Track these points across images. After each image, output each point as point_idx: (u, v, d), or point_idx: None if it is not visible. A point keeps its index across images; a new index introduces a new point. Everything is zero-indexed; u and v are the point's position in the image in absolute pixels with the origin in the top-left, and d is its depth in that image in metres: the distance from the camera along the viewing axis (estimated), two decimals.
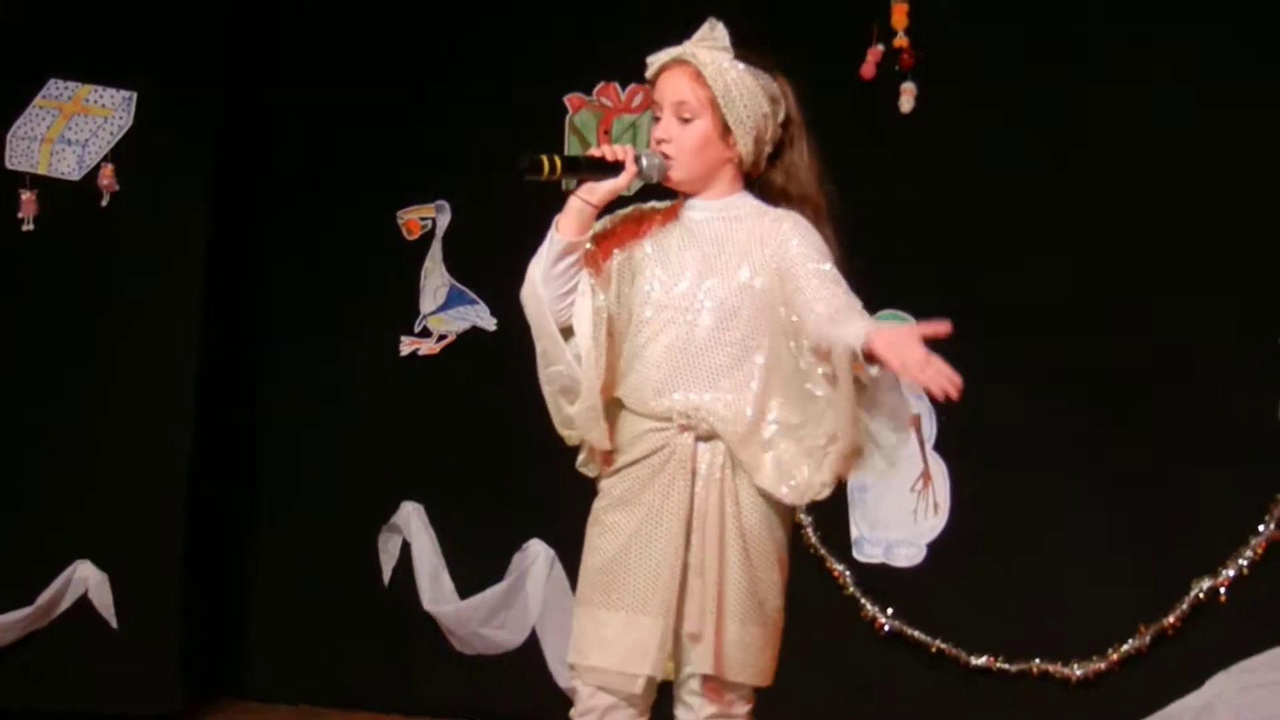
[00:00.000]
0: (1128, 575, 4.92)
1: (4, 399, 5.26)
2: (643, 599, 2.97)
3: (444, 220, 5.58)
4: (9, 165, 5.30)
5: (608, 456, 3.08)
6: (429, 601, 5.47)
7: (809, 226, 3.06)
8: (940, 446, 5.12)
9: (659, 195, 3.20)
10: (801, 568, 5.11)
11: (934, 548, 5.12)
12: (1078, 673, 4.93)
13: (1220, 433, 4.84)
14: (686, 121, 3.01)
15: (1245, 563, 4.80)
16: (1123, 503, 4.94)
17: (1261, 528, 4.79)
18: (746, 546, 2.99)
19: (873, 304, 5.10)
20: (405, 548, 5.55)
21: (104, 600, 5.23)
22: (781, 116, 3.09)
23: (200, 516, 5.44)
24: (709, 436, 2.99)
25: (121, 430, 5.28)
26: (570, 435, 3.12)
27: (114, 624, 5.22)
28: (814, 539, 5.17)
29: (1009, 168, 5.07)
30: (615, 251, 3.09)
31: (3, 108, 5.31)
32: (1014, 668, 4.99)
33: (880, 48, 5.13)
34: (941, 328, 2.73)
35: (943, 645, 5.04)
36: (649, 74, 3.09)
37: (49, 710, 5.14)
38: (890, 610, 5.11)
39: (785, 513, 3.07)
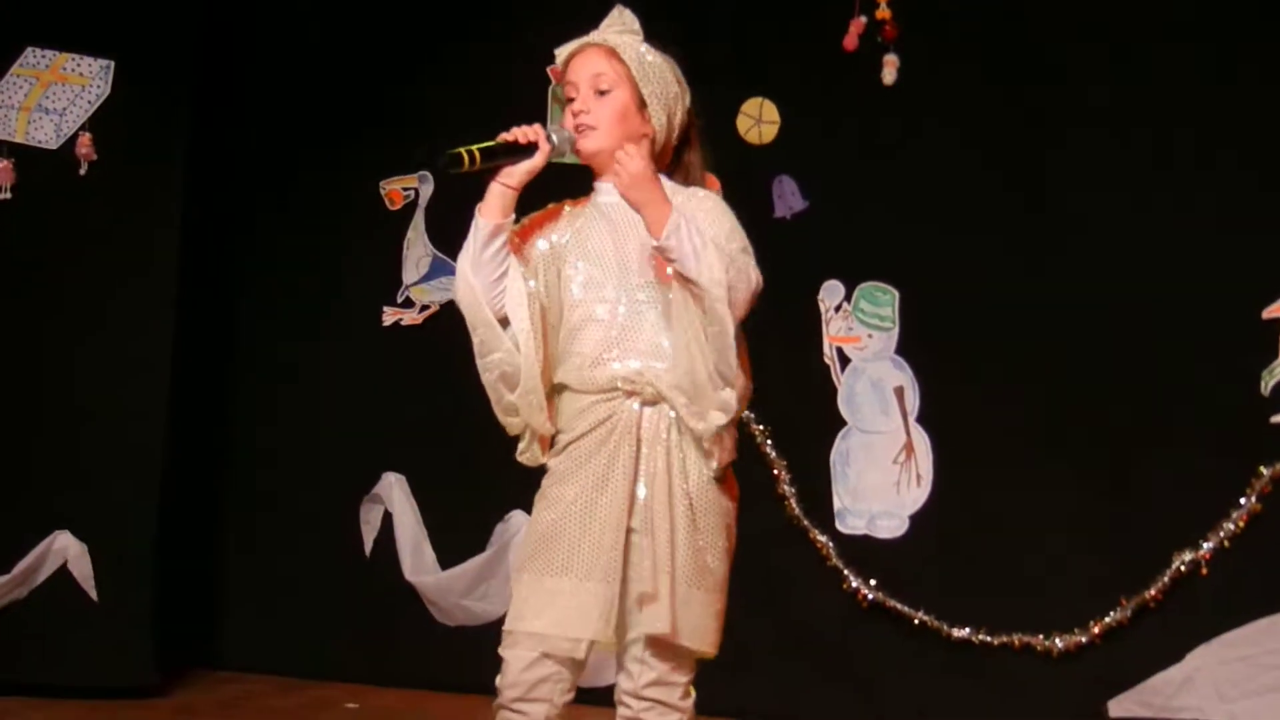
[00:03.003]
0: (1109, 548, 4.93)
1: None
2: (588, 565, 2.98)
3: (427, 191, 5.56)
4: None
5: (547, 443, 3.11)
6: (410, 572, 5.47)
7: (726, 209, 3.05)
8: (923, 418, 5.13)
9: (575, 186, 3.21)
10: (784, 539, 5.17)
11: (916, 520, 5.13)
12: (1059, 645, 4.94)
13: (1203, 406, 4.85)
14: (603, 94, 3.05)
15: (1226, 536, 4.81)
16: (1105, 475, 4.95)
17: (1243, 500, 4.80)
18: (693, 510, 3.00)
19: (854, 275, 5.19)
20: (387, 518, 5.55)
21: (84, 571, 5.21)
22: (687, 102, 3.13)
23: (177, 487, 5.42)
24: (654, 401, 3.01)
25: (97, 399, 5.26)
26: (513, 423, 3.13)
27: (94, 595, 5.20)
28: (797, 510, 5.17)
29: (992, 141, 5.07)
30: (537, 243, 3.12)
31: None
32: (995, 640, 5.00)
33: (863, 19, 5.12)
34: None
35: (924, 617, 5.06)
36: (560, 62, 3.12)
37: (25, 683, 5.11)
38: (872, 582, 5.11)
39: (730, 481, 3.08)
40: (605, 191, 3.10)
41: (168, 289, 5.37)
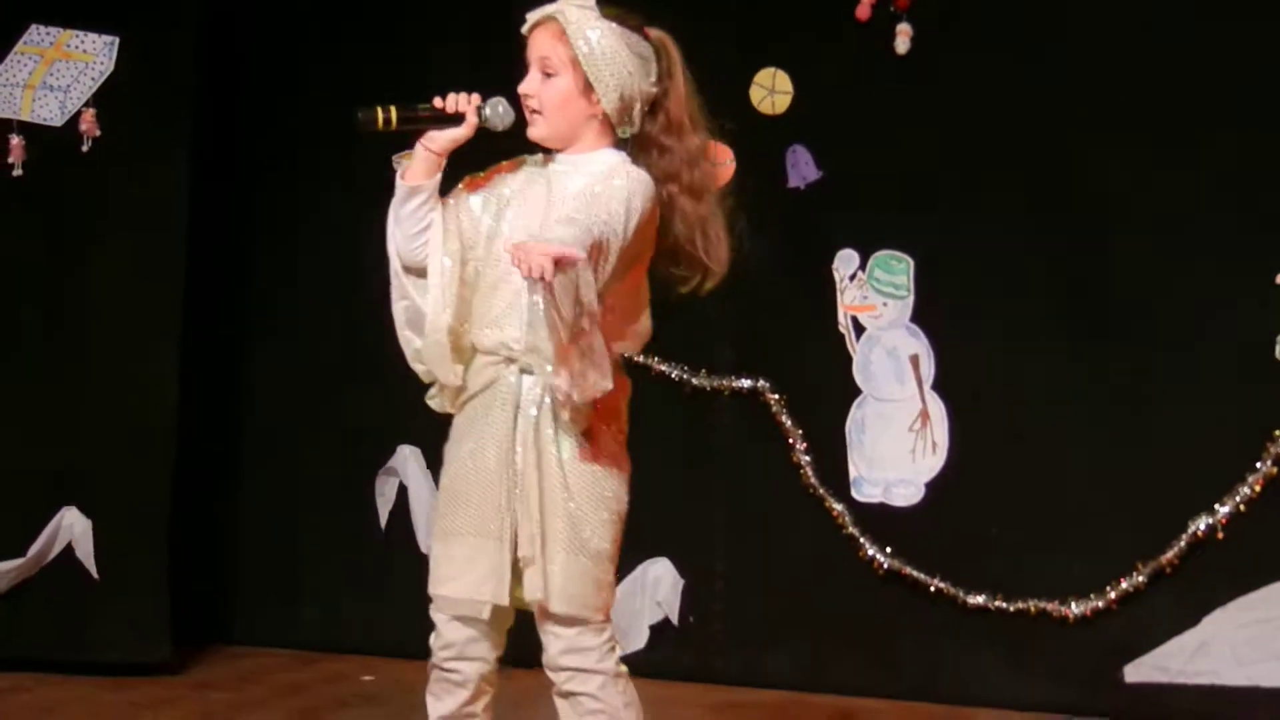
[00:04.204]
0: (1125, 513, 4.95)
1: None
2: (481, 523, 3.05)
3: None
4: None
5: (458, 393, 3.16)
6: (426, 545, 5.45)
7: (626, 196, 2.99)
8: (938, 386, 5.12)
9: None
10: (800, 507, 5.18)
11: (932, 487, 5.14)
12: (1075, 611, 4.96)
13: (1218, 371, 4.87)
14: (549, 77, 3.07)
15: (1241, 500, 4.83)
16: (1120, 441, 4.97)
17: (1259, 465, 4.82)
18: (566, 479, 3.04)
19: (868, 244, 5.18)
20: (402, 491, 5.55)
21: (86, 549, 5.19)
22: (654, 75, 3.10)
23: (190, 461, 5.40)
24: (530, 370, 3.05)
25: (107, 375, 5.23)
26: (422, 371, 3.18)
27: (95, 574, 5.18)
28: (813, 479, 5.18)
29: (1007, 108, 5.07)
30: (486, 192, 3.15)
31: None
32: (1012, 606, 5.01)
33: None
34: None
35: (941, 584, 5.07)
36: (524, 30, 3.13)
37: (38, 659, 5.11)
38: (888, 550, 5.12)
39: (611, 455, 3.10)
40: (559, 160, 3.13)
41: (176, 264, 5.33)
